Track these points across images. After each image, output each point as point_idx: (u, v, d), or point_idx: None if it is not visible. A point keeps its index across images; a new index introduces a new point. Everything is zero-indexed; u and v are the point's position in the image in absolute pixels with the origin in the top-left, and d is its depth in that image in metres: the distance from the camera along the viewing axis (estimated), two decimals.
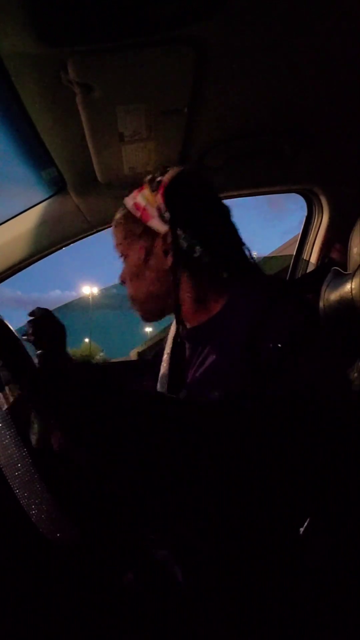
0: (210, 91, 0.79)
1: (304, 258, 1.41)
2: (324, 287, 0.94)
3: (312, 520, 0.61)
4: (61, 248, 1.20)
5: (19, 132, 0.94)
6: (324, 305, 0.92)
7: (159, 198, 0.72)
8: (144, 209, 0.74)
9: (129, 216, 0.76)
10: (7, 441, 0.54)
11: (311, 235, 1.39)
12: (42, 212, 1.12)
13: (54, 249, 1.18)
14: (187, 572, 0.65)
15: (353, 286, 0.84)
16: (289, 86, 0.82)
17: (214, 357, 0.70)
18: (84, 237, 1.21)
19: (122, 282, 0.82)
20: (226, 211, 0.76)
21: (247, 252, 0.76)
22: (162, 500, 0.65)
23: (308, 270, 1.41)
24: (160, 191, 0.72)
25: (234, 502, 0.54)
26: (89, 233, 1.20)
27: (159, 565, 0.68)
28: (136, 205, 0.75)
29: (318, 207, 1.33)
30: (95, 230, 1.20)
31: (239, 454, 0.54)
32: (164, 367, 0.86)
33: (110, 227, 1.20)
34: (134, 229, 0.76)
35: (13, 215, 1.14)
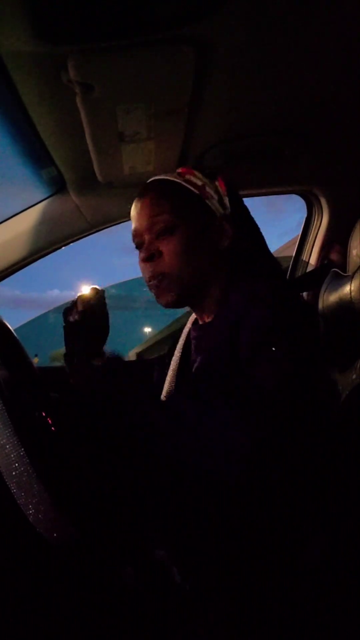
0: (210, 91, 0.79)
1: (304, 259, 1.41)
2: (323, 289, 0.94)
3: (311, 520, 0.61)
4: (60, 248, 1.20)
5: (18, 131, 0.93)
6: (322, 306, 0.93)
7: (218, 184, 0.74)
8: (203, 188, 0.73)
9: (180, 189, 0.73)
10: (4, 440, 0.53)
11: (310, 237, 1.39)
12: (41, 212, 1.12)
13: (53, 248, 1.18)
14: (185, 573, 0.65)
15: (352, 288, 0.85)
16: (290, 87, 0.82)
17: (204, 354, 0.71)
18: (83, 237, 1.21)
19: (151, 255, 0.74)
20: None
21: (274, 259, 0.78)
22: (161, 500, 0.65)
23: (307, 272, 1.41)
24: (220, 178, 0.74)
25: (230, 501, 0.54)
26: (88, 233, 1.20)
27: (157, 566, 0.68)
28: (190, 181, 0.74)
29: (318, 208, 1.33)
30: (94, 230, 1.20)
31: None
32: (173, 363, 0.86)
33: (109, 226, 1.21)
34: (189, 202, 0.73)
35: (12, 214, 1.14)
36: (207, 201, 0.73)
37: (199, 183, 0.73)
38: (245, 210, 0.77)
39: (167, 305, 0.75)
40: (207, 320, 0.76)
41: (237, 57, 0.72)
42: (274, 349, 0.57)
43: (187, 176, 0.74)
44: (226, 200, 0.74)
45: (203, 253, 0.73)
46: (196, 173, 0.74)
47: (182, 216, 0.72)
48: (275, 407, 0.54)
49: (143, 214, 0.75)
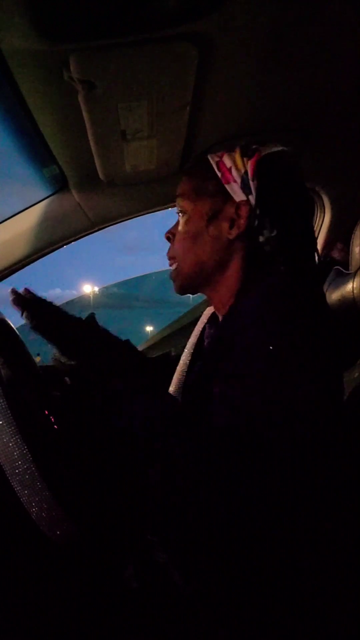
0: (212, 89, 0.79)
1: None
2: (325, 287, 0.94)
3: (312, 520, 0.60)
4: (62, 246, 1.20)
5: (20, 129, 0.93)
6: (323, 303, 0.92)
7: (249, 165, 0.67)
8: (228, 170, 0.69)
9: (206, 170, 0.71)
10: (7, 438, 0.53)
11: None
12: (43, 210, 1.12)
13: (55, 247, 1.18)
14: (186, 574, 0.65)
15: (355, 285, 0.84)
16: (292, 84, 0.82)
17: (206, 357, 0.70)
18: (85, 235, 1.21)
19: (168, 237, 0.75)
20: (309, 211, 0.72)
21: (315, 257, 0.70)
22: (161, 500, 0.65)
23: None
24: (254, 159, 0.67)
25: (231, 503, 0.54)
26: (90, 231, 1.20)
27: (158, 568, 0.68)
28: (220, 163, 0.70)
29: (320, 206, 1.33)
30: (96, 229, 1.20)
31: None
32: (183, 358, 0.85)
33: (111, 225, 1.21)
34: (207, 185, 0.70)
35: (14, 213, 1.14)
36: (225, 185, 0.69)
37: (228, 165, 0.69)
38: (283, 197, 0.67)
39: (178, 291, 0.75)
40: (224, 316, 0.73)
41: (239, 55, 0.72)
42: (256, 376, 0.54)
43: (224, 157, 0.70)
44: (252, 184, 0.67)
45: (205, 240, 0.69)
46: (235, 153, 0.69)
47: (194, 200, 0.70)
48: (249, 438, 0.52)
49: (177, 192, 0.75)
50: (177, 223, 0.75)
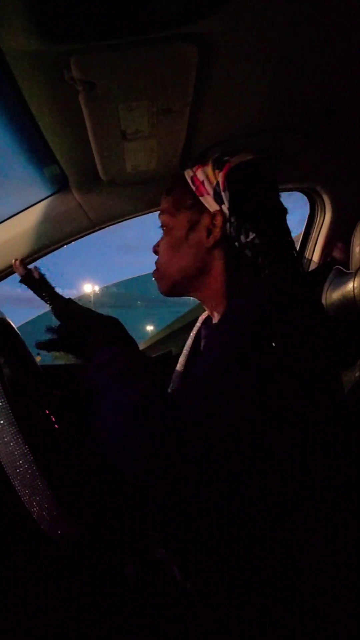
0: (213, 89, 0.79)
1: (306, 257, 1.41)
2: (326, 286, 0.94)
3: (311, 517, 0.61)
4: (62, 246, 1.20)
5: (21, 129, 0.93)
6: (326, 304, 0.93)
7: (220, 176, 0.72)
8: (201, 183, 0.73)
9: (183, 186, 0.76)
10: (8, 438, 0.54)
11: (313, 234, 1.39)
12: (44, 210, 1.12)
13: (55, 246, 1.18)
14: (186, 571, 0.65)
15: (355, 285, 0.85)
16: (292, 84, 0.82)
17: (203, 355, 0.71)
18: (85, 235, 1.21)
19: (155, 251, 0.81)
20: (283, 213, 0.73)
21: (297, 259, 0.73)
22: (162, 499, 0.65)
23: (310, 269, 1.41)
24: (224, 170, 0.72)
25: (231, 500, 0.54)
26: (90, 231, 1.20)
27: (157, 564, 0.68)
28: (194, 178, 0.75)
29: (320, 206, 1.33)
30: (97, 228, 1.20)
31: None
32: (181, 360, 0.86)
33: (112, 224, 1.21)
34: (184, 200, 0.75)
35: (15, 212, 1.14)
36: (200, 198, 0.74)
37: (201, 178, 0.74)
38: (254, 203, 0.71)
39: (164, 295, 0.81)
40: (218, 318, 0.76)
41: (240, 55, 0.72)
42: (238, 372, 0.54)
43: (197, 171, 0.75)
44: (223, 195, 0.72)
45: (186, 251, 0.75)
46: (207, 166, 0.74)
47: (173, 214, 0.76)
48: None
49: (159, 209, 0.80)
50: (162, 238, 0.80)
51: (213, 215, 0.73)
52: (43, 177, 1.09)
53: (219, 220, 0.72)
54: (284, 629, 0.59)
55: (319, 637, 0.60)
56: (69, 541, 0.57)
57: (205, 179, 0.73)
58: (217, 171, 0.73)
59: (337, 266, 0.96)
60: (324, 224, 1.34)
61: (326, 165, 1.17)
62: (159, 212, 0.81)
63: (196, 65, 0.69)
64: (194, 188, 0.74)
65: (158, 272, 0.80)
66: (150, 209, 1.18)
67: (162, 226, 0.79)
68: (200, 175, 0.74)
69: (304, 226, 1.43)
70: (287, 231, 0.73)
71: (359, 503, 0.65)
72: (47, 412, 0.76)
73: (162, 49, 0.65)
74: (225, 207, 0.72)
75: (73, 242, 1.21)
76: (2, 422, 0.54)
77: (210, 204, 0.73)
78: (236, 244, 0.70)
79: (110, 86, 0.71)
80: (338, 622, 0.61)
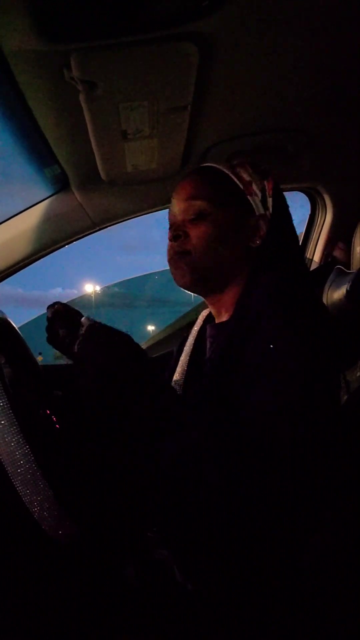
0: (213, 88, 0.79)
1: (307, 256, 1.41)
2: (327, 286, 0.94)
3: (312, 518, 0.61)
4: (63, 246, 1.20)
5: (22, 129, 0.94)
6: (327, 303, 0.93)
7: (267, 183, 0.74)
8: (248, 182, 0.73)
9: (224, 178, 0.74)
10: (9, 438, 0.54)
11: (314, 234, 1.39)
12: (45, 210, 1.12)
13: (56, 246, 1.18)
14: (186, 572, 0.65)
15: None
16: (292, 83, 0.82)
17: (216, 356, 0.69)
18: (86, 235, 1.21)
19: (177, 235, 0.74)
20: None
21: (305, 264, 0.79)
22: (163, 499, 0.65)
23: (311, 269, 1.41)
24: (271, 178, 0.74)
25: (231, 501, 0.54)
26: (91, 231, 1.20)
27: (158, 565, 0.68)
28: (239, 176, 0.74)
29: (321, 205, 1.33)
30: (97, 228, 1.20)
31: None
32: (182, 360, 0.85)
33: (113, 224, 1.21)
34: (230, 193, 0.73)
35: (16, 212, 1.14)
36: (249, 197, 0.73)
37: (247, 178, 0.73)
38: (288, 216, 0.76)
39: (181, 284, 0.76)
40: (225, 318, 0.75)
41: (240, 54, 0.72)
42: (279, 368, 0.56)
43: (238, 169, 0.74)
44: (270, 201, 0.73)
45: (231, 245, 0.72)
46: (248, 168, 0.74)
47: (219, 205, 0.72)
48: (264, 440, 0.53)
49: (182, 195, 0.75)
50: (184, 223, 0.74)
51: (258, 218, 0.73)
52: (44, 178, 1.09)
53: (264, 223, 0.73)
54: (285, 629, 0.59)
55: (320, 637, 0.60)
56: (70, 541, 0.57)
57: (253, 181, 0.73)
58: (258, 176, 0.74)
59: (338, 266, 0.95)
60: (324, 224, 1.34)
61: (327, 164, 1.17)
62: (186, 195, 0.74)
63: (197, 64, 0.69)
64: (241, 185, 0.73)
65: (187, 258, 0.73)
66: (151, 209, 1.18)
67: (197, 212, 0.72)
68: (244, 174, 0.73)
69: (305, 226, 1.43)
70: (299, 243, 0.79)
71: (359, 503, 0.65)
72: (48, 412, 0.76)
73: (163, 48, 0.65)
74: (269, 213, 0.74)
75: (74, 242, 1.22)
76: (3, 422, 0.54)
77: (258, 206, 0.73)
78: (268, 251, 0.72)
79: (110, 86, 0.71)
80: (338, 622, 0.61)
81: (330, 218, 1.32)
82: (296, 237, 0.78)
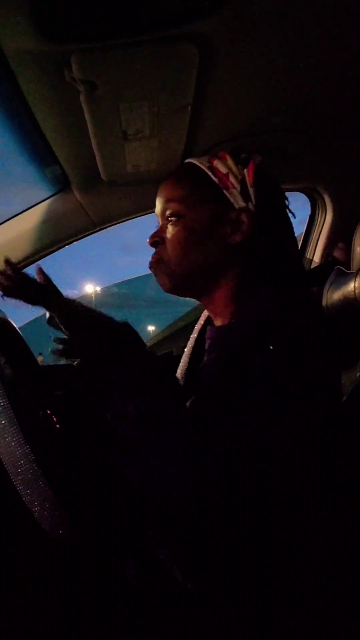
0: (213, 89, 0.79)
1: (307, 257, 1.41)
2: (327, 286, 0.94)
3: (312, 519, 0.61)
4: (64, 246, 1.20)
5: (22, 130, 0.94)
6: (326, 304, 0.92)
7: (247, 172, 0.68)
8: (225, 176, 0.69)
9: (200, 176, 0.70)
10: (9, 438, 0.54)
11: (314, 234, 1.39)
12: (45, 210, 1.12)
13: (57, 247, 1.18)
14: (187, 571, 0.65)
15: (356, 285, 0.84)
16: (293, 83, 0.82)
17: (216, 360, 0.68)
18: (86, 235, 1.21)
19: (155, 242, 0.73)
20: (289, 215, 0.73)
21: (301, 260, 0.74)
22: (163, 499, 0.65)
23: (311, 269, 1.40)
24: (251, 166, 0.68)
25: (232, 501, 0.54)
26: (92, 231, 1.20)
27: (159, 564, 0.68)
28: (214, 169, 0.70)
29: (322, 205, 1.33)
30: (98, 229, 1.20)
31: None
32: (183, 360, 0.85)
33: (113, 224, 1.21)
34: (204, 191, 0.69)
35: (16, 213, 1.14)
36: (225, 192, 0.69)
37: (224, 171, 0.69)
38: (277, 204, 0.71)
39: (165, 291, 0.74)
40: (223, 321, 0.73)
41: (240, 55, 0.72)
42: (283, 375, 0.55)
43: (215, 162, 0.70)
44: (252, 191, 0.68)
45: (208, 246, 0.69)
46: (227, 159, 0.70)
47: (192, 204, 0.70)
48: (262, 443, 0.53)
49: (160, 198, 0.74)
50: (163, 228, 0.73)
51: (239, 211, 0.68)
52: (44, 178, 1.09)
53: (247, 217, 0.68)
54: (286, 630, 0.59)
55: (320, 637, 0.60)
56: (70, 541, 0.57)
57: (230, 172, 0.69)
58: (240, 166, 0.69)
59: (338, 266, 0.95)
60: (325, 224, 1.34)
61: (327, 165, 1.17)
62: (163, 198, 0.73)
63: (197, 65, 0.69)
64: (216, 180, 0.69)
65: (163, 266, 0.73)
66: (151, 209, 1.18)
67: (171, 215, 0.71)
68: (221, 167, 0.69)
69: (305, 226, 1.43)
70: (294, 233, 0.73)
71: (359, 504, 0.65)
72: (48, 412, 0.77)
73: (163, 49, 0.65)
74: (251, 205, 0.68)
75: (74, 243, 1.22)
76: (3, 422, 0.54)
77: (237, 199, 0.68)
78: (256, 244, 0.68)
79: (111, 86, 0.71)
80: (338, 623, 0.61)
81: (331, 218, 1.32)
82: (289, 226, 0.72)
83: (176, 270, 0.71)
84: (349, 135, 1.03)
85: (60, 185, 1.11)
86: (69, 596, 0.71)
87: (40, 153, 0.98)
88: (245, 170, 0.68)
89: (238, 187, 0.68)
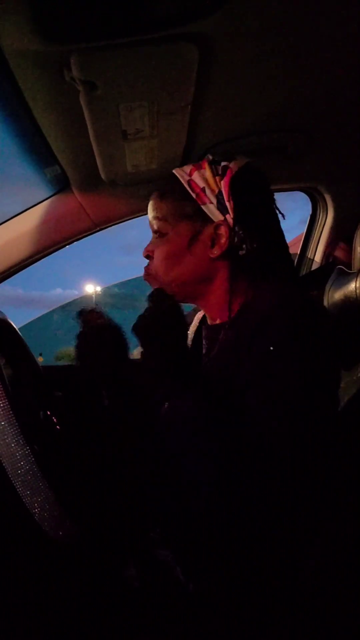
0: (213, 88, 0.79)
1: (308, 257, 1.41)
2: (328, 286, 0.94)
3: (312, 520, 0.60)
4: (64, 246, 1.20)
5: (22, 130, 0.93)
6: (328, 304, 0.92)
7: (222, 184, 0.69)
8: (202, 191, 0.70)
9: (179, 192, 0.72)
10: (9, 439, 0.54)
11: (315, 234, 1.38)
12: (44, 211, 1.12)
13: (57, 247, 1.18)
14: (189, 572, 0.65)
15: (357, 285, 0.84)
16: (293, 83, 0.81)
17: (219, 359, 0.69)
18: (86, 236, 1.21)
19: (147, 256, 0.77)
20: (277, 216, 0.73)
21: (291, 261, 0.74)
22: (164, 499, 0.65)
23: (312, 269, 1.40)
24: (227, 178, 0.69)
25: (233, 502, 0.54)
26: (92, 231, 1.20)
27: (160, 565, 0.68)
28: (192, 183, 0.71)
29: (323, 205, 1.32)
30: (98, 229, 1.20)
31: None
32: None
33: (113, 225, 1.21)
34: (183, 208, 0.71)
35: (16, 213, 1.14)
36: (203, 207, 0.70)
37: (201, 185, 0.70)
38: (258, 212, 0.71)
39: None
40: (217, 321, 0.75)
41: (240, 55, 0.72)
42: (281, 376, 0.56)
43: (194, 175, 0.71)
44: (229, 204, 0.69)
45: (189, 261, 0.71)
46: (205, 170, 0.71)
47: (173, 222, 0.72)
48: (263, 445, 0.53)
49: (149, 213, 0.77)
50: (153, 241, 0.76)
51: (217, 226, 0.70)
52: (44, 178, 1.09)
53: (224, 230, 0.69)
54: (286, 630, 0.59)
55: (320, 637, 0.60)
56: (71, 542, 0.57)
57: (206, 186, 0.70)
58: (217, 178, 0.70)
59: (339, 266, 0.95)
60: (326, 224, 1.34)
61: (328, 164, 1.16)
62: (150, 215, 0.76)
63: (197, 65, 0.69)
64: (194, 195, 0.71)
65: (152, 280, 0.76)
66: None
67: (156, 232, 0.75)
68: (199, 181, 0.70)
69: (306, 226, 1.42)
70: (282, 232, 0.74)
71: (359, 505, 0.64)
72: (49, 412, 0.76)
73: (163, 48, 0.65)
74: (229, 217, 0.69)
75: (74, 243, 1.22)
76: (3, 423, 0.54)
77: (214, 214, 0.70)
78: (240, 252, 0.69)
79: (111, 86, 0.71)
80: (339, 623, 0.60)
81: (331, 218, 1.32)
82: (276, 229, 0.72)
83: (164, 282, 0.74)
84: (350, 135, 1.02)
85: (60, 185, 1.10)
86: (70, 597, 0.71)
87: (40, 153, 0.98)
88: (222, 182, 0.69)
89: (215, 201, 0.70)
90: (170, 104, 0.78)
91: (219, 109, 0.86)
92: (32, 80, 0.71)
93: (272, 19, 0.65)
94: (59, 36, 0.62)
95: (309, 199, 1.37)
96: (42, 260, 1.20)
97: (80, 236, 1.19)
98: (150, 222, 0.77)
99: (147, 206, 0.78)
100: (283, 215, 0.74)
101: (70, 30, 0.61)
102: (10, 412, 0.55)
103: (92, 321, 0.71)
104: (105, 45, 0.64)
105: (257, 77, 0.78)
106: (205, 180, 0.70)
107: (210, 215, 0.70)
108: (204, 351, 0.78)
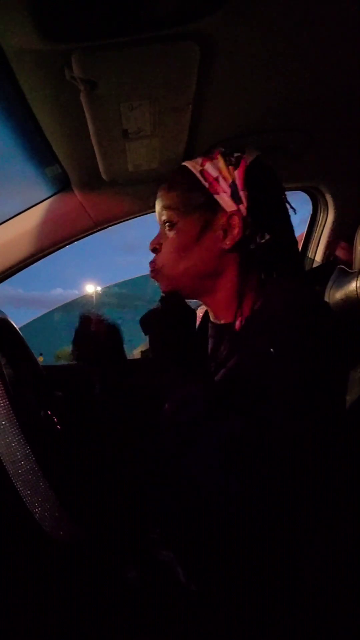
0: (215, 87, 0.78)
1: (309, 256, 1.40)
2: (329, 286, 0.94)
3: (313, 521, 0.60)
4: (64, 246, 1.20)
5: (22, 129, 0.93)
6: (328, 302, 0.92)
7: (237, 174, 0.68)
8: (215, 180, 0.68)
9: (191, 182, 0.70)
10: (10, 438, 0.53)
11: (316, 233, 1.38)
12: (45, 210, 1.12)
13: (57, 247, 1.18)
14: (190, 573, 0.65)
15: (358, 284, 0.84)
16: (294, 82, 0.81)
17: (236, 361, 0.67)
18: (87, 235, 1.21)
19: (154, 249, 0.75)
20: (287, 210, 0.72)
21: (300, 257, 0.72)
22: (166, 500, 0.65)
23: (313, 269, 1.40)
24: (241, 168, 0.68)
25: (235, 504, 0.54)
26: (92, 231, 1.20)
27: (161, 565, 0.68)
28: (205, 173, 0.69)
29: (323, 205, 1.32)
30: (98, 228, 1.20)
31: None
32: None
33: (114, 224, 1.21)
34: (194, 197, 0.70)
35: (16, 213, 1.14)
36: (215, 196, 0.69)
37: (214, 175, 0.69)
38: (272, 203, 0.70)
39: (164, 292, 0.76)
40: (222, 320, 0.74)
41: (241, 53, 0.72)
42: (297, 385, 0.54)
43: (207, 165, 0.70)
44: (243, 194, 0.68)
45: (199, 252, 0.69)
46: (218, 161, 0.69)
47: (184, 212, 0.70)
48: (279, 450, 0.53)
49: (157, 204, 0.75)
50: (161, 234, 0.75)
51: (230, 215, 0.68)
52: (44, 177, 1.09)
53: (237, 220, 0.68)
54: (288, 630, 0.59)
55: (321, 637, 0.60)
56: (71, 542, 0.57)
57: (220, 176, 0.68)
58: (230, 167, 0.68)
59: (340, 265, 0.95)
60: (326, 223, 1.34)
61: (329, 164, 1.16)
62: (159, 205, 0.75)
63: (198, 63, 0.69)
64: (206, 185, 0.69)
65: (160, 274, 0.74)
66: (152, 209, 1.18)
67: (165, 222, 0.73)
68: (211, 170, 0.69)
69: (307, 225, 1.42)
70: (293, 230, 0.73)
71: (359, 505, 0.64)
72: (49, 412, 0.76)
73: (164, 47, 0.65)
74: (242, 207, 0.68)
75: (74, 242, 1.21)
76: (4, 422, 0.54)
77: (227, 203, 0.68)
78: (252, 245, 0.67)
79: (111, 85, 0.71)
80: (339, 623, 0.60)
81: (333, 217, 1.31)
82: (287, 224, 0.71)
83: (171, 276, 0.72)
84: (351, 134, 1.02)
85: (61, 185, 1.10)
86: (70, 597, 0.71)
87: (40, 152, 0.97)
88: (236, 172, 0.68)
89: (228, 190, 0.68)
90: (172, 102, 0.77)
91: (220, 107, 0.86)
92: (32, 79, 0.71)
93: (274, 18, 0.65)
94: (60, 35, 0.61)
95: (309, 199, 1.37)
96: (43, 260, 1.20)
97: (81, 236, 1.19)
98: (158, 214, 0.75)
99: (148, 206, 0.78)
100: (294, 210, 0.72)
101: (70, 29, 0.61)
102: (11, 411, 0.54)
103: (89, 324, 0.71)
104: (106, 44, 0.64)
105: (259, 76, 0.78)
106: (219, 170, 0.69)
107: (223, 205, 0.69)
108: (209, 350, 0.77)
